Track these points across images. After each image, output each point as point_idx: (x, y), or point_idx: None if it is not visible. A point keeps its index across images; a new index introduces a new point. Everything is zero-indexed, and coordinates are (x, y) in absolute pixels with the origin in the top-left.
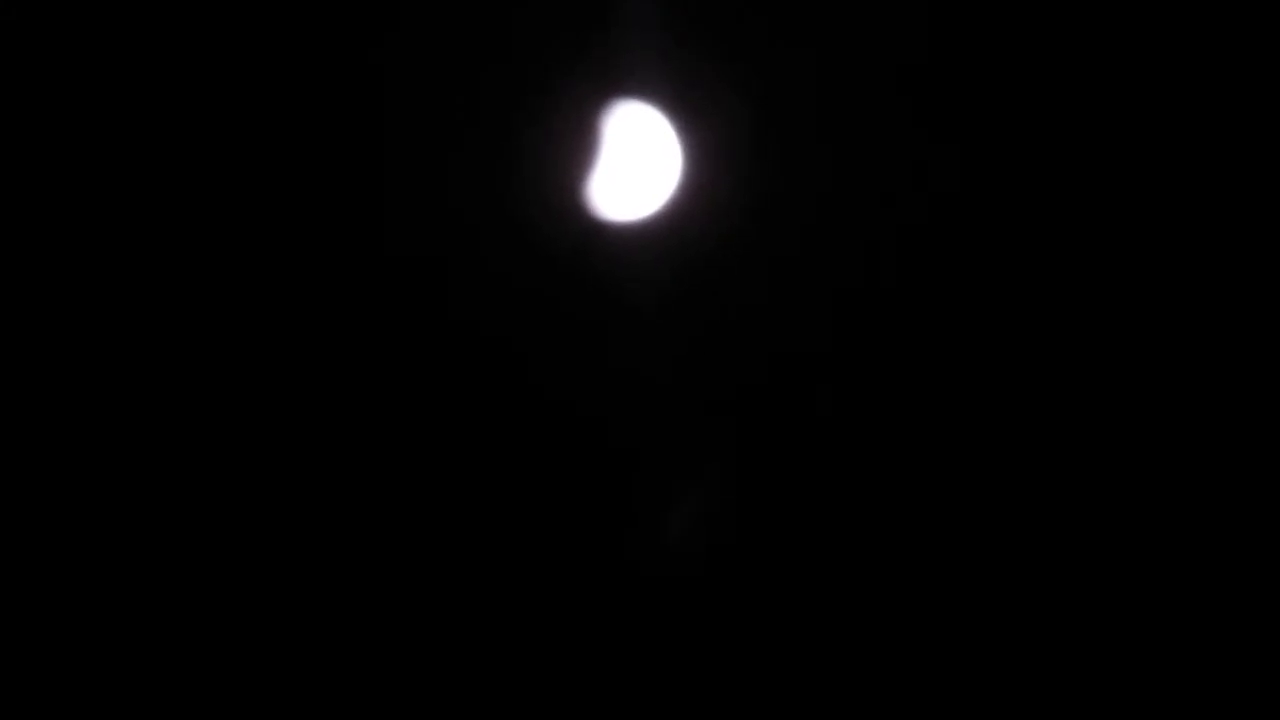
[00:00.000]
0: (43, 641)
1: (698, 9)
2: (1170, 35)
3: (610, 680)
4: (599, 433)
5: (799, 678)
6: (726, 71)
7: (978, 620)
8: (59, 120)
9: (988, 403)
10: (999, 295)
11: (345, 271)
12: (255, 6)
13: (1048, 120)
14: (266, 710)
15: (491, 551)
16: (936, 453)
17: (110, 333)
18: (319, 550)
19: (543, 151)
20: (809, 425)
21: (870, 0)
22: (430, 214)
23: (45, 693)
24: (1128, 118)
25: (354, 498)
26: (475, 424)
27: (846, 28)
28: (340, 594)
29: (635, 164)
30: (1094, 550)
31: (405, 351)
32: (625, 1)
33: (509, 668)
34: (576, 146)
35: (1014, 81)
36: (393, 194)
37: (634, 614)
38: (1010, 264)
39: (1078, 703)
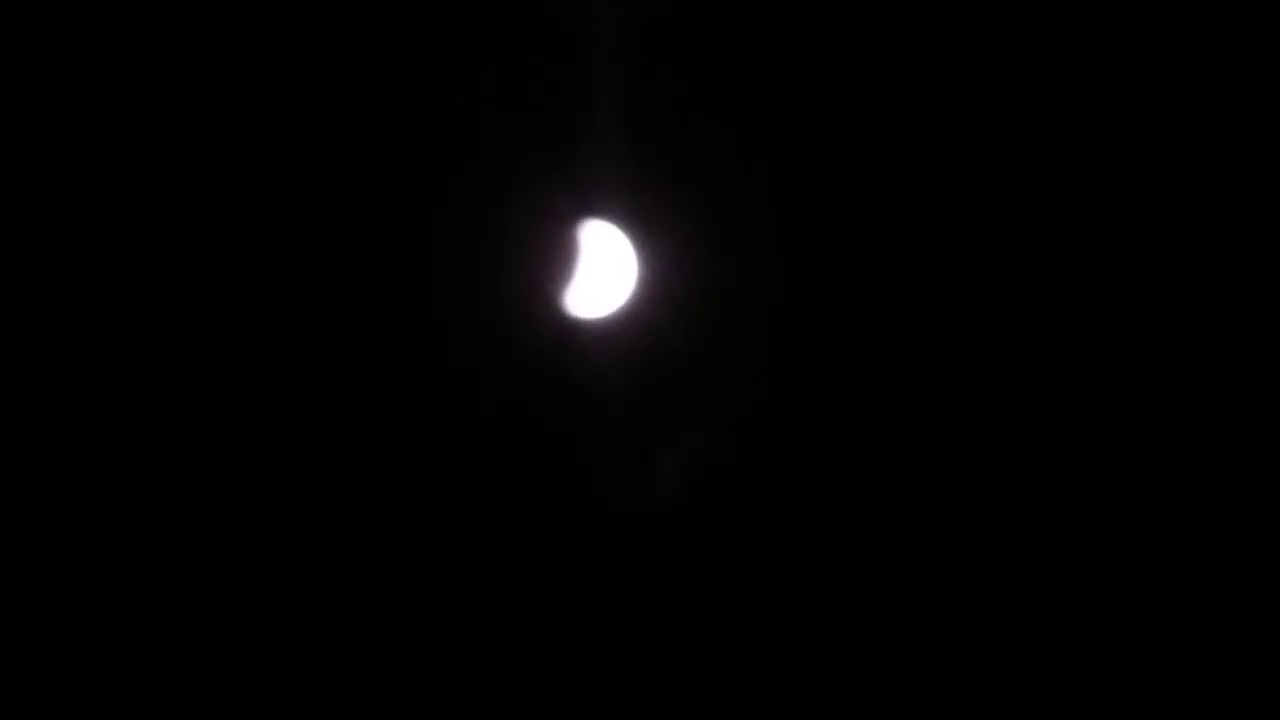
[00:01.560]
0: (43, 641)
1: (651, 141)
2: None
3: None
4: (565, 509)
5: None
6: (676, 190)
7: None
8: (52, 120)
9: (943, 481)
10: (953, 384)
11: (325, 373)
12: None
13: (983, 228)
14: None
15: (457, 636)
16: (897, 530)
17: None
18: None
19: (516, 261)
20: (771, 498)
21: (807, 118)
22: (406, 316)
23: (45, 693)
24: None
25: (325, 586)
26: (444, 503)
27: (786, 144)
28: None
29: (598, 270)
30: (1078, 546)
31: (376, 445)
32: (591, 132)
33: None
34: (547, 256)
35: (958, 185)
36: (370, 296)
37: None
38: (961, 350)
39: (1077, 701)
